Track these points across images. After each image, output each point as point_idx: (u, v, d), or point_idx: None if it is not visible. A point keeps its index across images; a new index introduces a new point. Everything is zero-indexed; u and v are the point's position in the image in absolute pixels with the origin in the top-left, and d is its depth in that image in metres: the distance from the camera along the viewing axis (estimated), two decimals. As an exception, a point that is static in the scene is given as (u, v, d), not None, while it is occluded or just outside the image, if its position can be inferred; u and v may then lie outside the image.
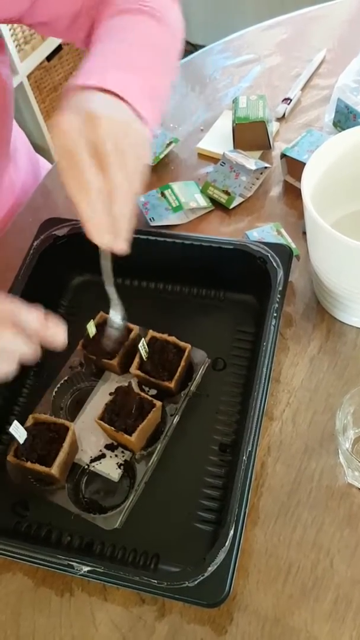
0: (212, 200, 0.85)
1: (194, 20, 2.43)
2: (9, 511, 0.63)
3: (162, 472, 0.64)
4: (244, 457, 0.57)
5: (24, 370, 0.73)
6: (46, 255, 0.74)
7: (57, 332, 0.55)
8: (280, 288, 0.67)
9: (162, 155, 0.91)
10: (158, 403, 0.63)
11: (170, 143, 0.92)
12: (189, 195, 0.85)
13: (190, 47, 2.51)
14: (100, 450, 0.65)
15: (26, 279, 0.72)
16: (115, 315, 0.67)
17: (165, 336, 0.68)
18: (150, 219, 0.83)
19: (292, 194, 0.85)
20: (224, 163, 0.85)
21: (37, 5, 0.70)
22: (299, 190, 0.64)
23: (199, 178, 0.89)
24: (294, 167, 0.83)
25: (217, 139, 0.93)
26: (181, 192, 0.85)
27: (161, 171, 0.92)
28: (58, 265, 0.76)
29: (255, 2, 2.18)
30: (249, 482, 0.56)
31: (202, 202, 0.84)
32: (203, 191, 0.86)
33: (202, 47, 1.13)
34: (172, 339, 0.68)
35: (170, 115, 0.99)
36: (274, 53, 1.06)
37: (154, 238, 0.73)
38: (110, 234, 0.53)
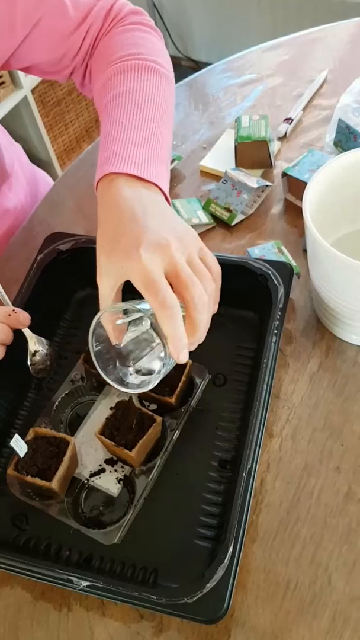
0: (214, 217, 0.87)
1: (197, 38, 2.47)
2: (9, 524, 0.63)
3: (161, 487, 0.64)
4: (244, 474, 0.57)
5: (26, 383, 0.74)
6: (50, 269, 0.75)
7: (20, 313, 0.63)
8: (280, 305, 0.68)
9: (165, 172, 0.92)
10: (158, 418, 0.64)
11: (174, 160, 0.93)
12: (191, 211, 0.86)
13: (193, 64, 2.55)
14: (100, 465, 0.66)
15: (29, 292, 0.73)
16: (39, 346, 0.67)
17: (166, 352, 0.69)
18: None
19: (293, 212, 0.86)
20: (226, 181, 0.86)
21: (17, 55, 0.72)
22: (300, 208, 0.65)
23: (201, 195, 0.91)
24: (295, 186, 0.84)
25: (220, 157, 0.94)
26: (184, 208, 0.86)
27: (164, 188, 0.93)
28: (61, 279, 0.77)
29: (258, 22, 2.22)
30: (248, 498, 0.56)
31: (204, 218, 0.85)
32: (205, 208, 0.87)
33: (204, 63, 1.15)
34: (174, 354, 0.68)
35: (174, 133, 1.00)
36: (276, 73, 1.08)
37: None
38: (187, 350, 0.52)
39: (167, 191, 0.59)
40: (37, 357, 0.66)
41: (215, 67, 1.12)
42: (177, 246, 0.51)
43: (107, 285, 0.52)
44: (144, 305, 0.52)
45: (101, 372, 0.55)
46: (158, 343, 0.53)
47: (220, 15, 2.29)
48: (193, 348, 0.54)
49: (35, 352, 0.66)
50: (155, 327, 0.50)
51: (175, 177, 0.94)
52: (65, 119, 2.12)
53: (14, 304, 0.72)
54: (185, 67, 2.57)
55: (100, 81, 0.68)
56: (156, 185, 0.58)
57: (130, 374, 0.57)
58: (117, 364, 0.57)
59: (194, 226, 0.85)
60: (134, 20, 0.73)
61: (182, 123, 1.02)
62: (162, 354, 0.52)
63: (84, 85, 0.77)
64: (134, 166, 0.57)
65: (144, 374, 0.58)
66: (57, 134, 2.11)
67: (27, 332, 0.65)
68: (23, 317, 0.64)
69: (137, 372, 0.58)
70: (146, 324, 0.53)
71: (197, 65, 2.45)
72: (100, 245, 0.53)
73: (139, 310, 0.52)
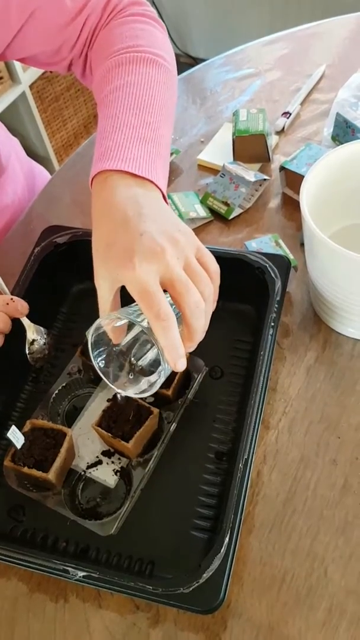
0: (212, 211, 0.86)
1: (195, 34, 2.47)
2: (5, 516, 0.63)
3: (158, 479, 0.64)
4: (240, 465, 0.57)
5: (23, 376, 0.73)
6: (47, 262, 0.75)
7: (18, 302, 0.63)
8: (278, 298, 0.68)
9: (162, 166, 0.92)
10: (155, 410, 0.64)
11: (172, 154, 0.93)
12: (188, 205, 0.86)
13: (192, 61, 2.54)
14: (97, 457, 0.66)
15: (26, 285, 0.72)
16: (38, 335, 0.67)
17: (163, 344, 0.69)
18: None
19: (291, 206, 0.86)
20: (224, 174, 0.86)
21: (13, 46, 0.71)
22: (297, 202, 0.65)
23: (199, 189, 0.90)
24: (293, 179, 0.84)
25: (217, 151, 0.94)
26: (181, 202, 0.86)
27: (161, 181, 0.93)
28: (58, 273, 0.77)
29: (257, 18, 2.21)
30: (244, 490, 0.56)
31: (202, 212, 0.85)
32: (203, 202, 0.87)
33: (203, 60, 1.15)
34: (170, 347, 0.68)
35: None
36: (274, 68, 1.07)
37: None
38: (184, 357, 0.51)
39: (164, 188, 0.57)
40: (36, 346, 0.66)
41: (214, 62, 1.12)
42: (172, 252, 0.50)
43: (105, 288, 0.51)
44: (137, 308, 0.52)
45: (103, 377, 0.55)
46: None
47: (219, 11, 2.29)
48: (191, 350, 0.53)
49: (34, 340, 0.66)
50: (151, 334, 0.50)
51: (172, 171, 0.94)
52: (64, 114, 2.12)
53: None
54: (183, 63, 2.56)
55: (99, 74, 0.67)
56: (152, 182, 0.56)
57: (130, 375, 0.57)
58: (118, 364, 0.57)
59: (192, 220, 0.85)
60: (134, 11, 0.71)
61: (180, 117, 1.02)
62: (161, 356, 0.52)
63: (84, 76, 0.76)
64: (129, 162, 0.55)
65: (144, 374, 0.57)
66: (55, 129, 2.11)
67: (26, 321, 0.65)
68: (21, 306, 0.64)
69: (138, 370, 0.58)
70: (144, 324, 0.52)
71: (196, 62, 2.44)
72: (95, 249, 0.52)
73: (133, 321, 0.51)
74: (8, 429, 0.61)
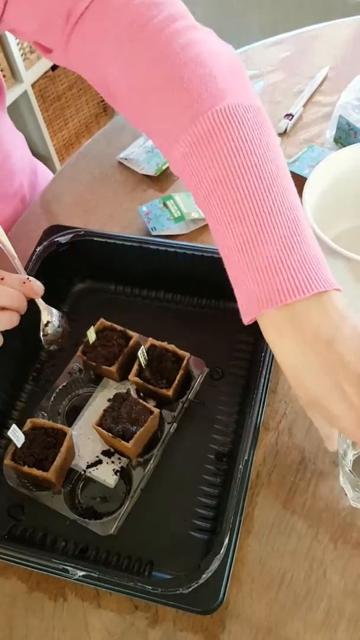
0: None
1: (197, 35, 2.46)
2: (5, 515, 0.63)
3: (158, 479, 0.64)
4: (240, 466, 0.57)
5: (24, 374, 0.73)
6: (48, 261, 0.75)
7: (34, 282, 0.62)
8: (279, 300, 0.68)
9: (165, 166, 0.92)
10: (155, 410, 0.64)
11: (173, 154, 0.93)
12: (190, 206, 0.86)
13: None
14: (97, 457, 0.66)
15: (28, 285, 0.72)
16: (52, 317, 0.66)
17: (164, 344, 0.69)
18: (151, 228, 0.84)
19: (293, 207, 0.86)
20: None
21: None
22: (300, 204, 0.65)
23: (201, 190, 0.90)
24: (295, 181, 0.84)
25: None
26: (183, 202, 0.86)
27: (164, 182, 0.93)
28: (60, 272, 0.77)
29: (260, 20, 2.22)
30: (244, 491, 0.56)
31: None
32: (205, 202, 0.87)
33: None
34: (171, 347, 0.68)
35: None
36: (277, 69, 1.08)
37: (155, 247, 0.74)
38: None
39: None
40: (50, 329, 0.65)
41: (217, 63, 1.12)
42: None
43: None
44: None
45: None
46: None
47: (222, 12, 2.29)
48: None
49: (48, 322, 0.65)
50: None
51: (175, 172, 0.94)
52: (65, 114, 2.12)
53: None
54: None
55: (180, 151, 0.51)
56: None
57: None
58: None
59: (193, 220, 0.85)
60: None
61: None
62: None
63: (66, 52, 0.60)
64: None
65: None
66: (56, 129, 2.11)
67: (41, 303, 0.65)
68: (37, 287, 0.63)
69: None
70: None
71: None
72: None
73: None
74: (8, 428, 0.61)
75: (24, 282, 0.62)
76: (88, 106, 2.19)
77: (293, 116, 0.97)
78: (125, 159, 0.97)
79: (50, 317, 0.66)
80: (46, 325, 0.65)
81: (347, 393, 0.46)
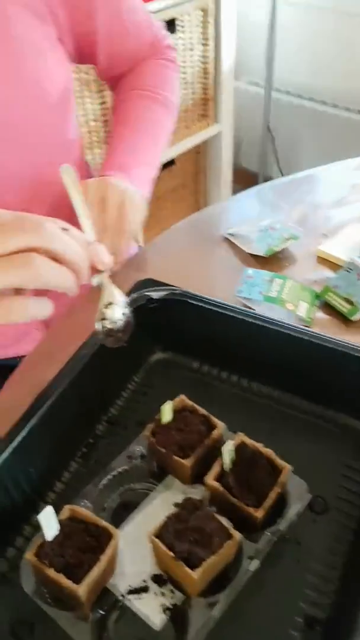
0: (330, 308, 0.73)
1: (305, 165, 2.49)
2: (6, 632, 0.45)
3: (218, 635, 0.46)
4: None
5: (71, 448, 0.58)
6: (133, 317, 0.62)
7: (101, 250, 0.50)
8: None
9: (277, 249, 0.81)
10: (236, 535, 0.47)
11: (289, 239, 0.82)
12: (294, 295, 0.73)
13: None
14: (144, 580, 0.48)
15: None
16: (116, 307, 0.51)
17: (259, 446, 0.53)
18: (238, 290, 0.74)
19: None
20: (351, 269, 0.74)
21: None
22: None
23: (313, 282, 0.78)
24: None
25: (343, 244, 0.83)
26: (291, 290, 0.73)
27: (274, 265, 0.81)
28: (142, 333, 0.63)
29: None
30: None
31: (303, 313, 0.71)
32: (321, 296, 0.74)
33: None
34: (268, 452, 0.52)
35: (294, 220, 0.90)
36: None
37: (262, 324, 0.60)
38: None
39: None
40: (111, 312, 0.50)
41: (349, 163, 1.04)
42: None
43: None
44: None
45: None
46: None
47: (330, 147, 2.31)
48: None
49: (110, 304, 0.50)
50: None
51: (287, 257, 0.83)
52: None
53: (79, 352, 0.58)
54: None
55: (128, 96, 0.84)
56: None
57: None
58: None
59: (284, 309, 0.71)
60: (171, 56, 0.88)
61: (309, 211, 0.92)
62: None
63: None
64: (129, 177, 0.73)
65: None
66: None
67: (105, 278, 0.50)
68: (104, 255, 0.49)
69: None
70: None
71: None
72: None
73: None
74: (39, 511, 0.45)
75: (90, 245, 0.48)
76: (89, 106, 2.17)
77: None
78: (233, 235, 0.86)
79: (114, 298, 0.51)
80: (107, 307, 0.50)
81: None
